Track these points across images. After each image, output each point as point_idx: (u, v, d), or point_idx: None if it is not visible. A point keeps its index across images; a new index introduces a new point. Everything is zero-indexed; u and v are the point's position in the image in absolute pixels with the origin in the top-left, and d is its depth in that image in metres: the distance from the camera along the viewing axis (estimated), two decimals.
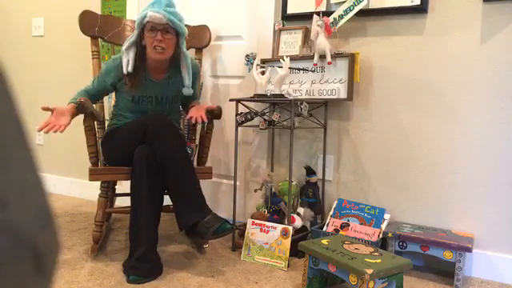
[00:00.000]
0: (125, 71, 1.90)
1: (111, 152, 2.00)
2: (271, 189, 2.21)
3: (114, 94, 2.28)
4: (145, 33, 1.88)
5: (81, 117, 1.96)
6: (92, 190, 2.89)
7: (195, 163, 2.22)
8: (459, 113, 1.97)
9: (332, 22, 2.11)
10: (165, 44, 1.86)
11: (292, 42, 2.28)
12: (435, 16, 2.00)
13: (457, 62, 1.96)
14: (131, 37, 1.94)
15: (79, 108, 1.87)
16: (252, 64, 2.15)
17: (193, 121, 1.97)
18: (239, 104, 2.12)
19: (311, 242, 1.71)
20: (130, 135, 1.89)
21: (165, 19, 1.82)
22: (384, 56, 2.11)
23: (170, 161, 1.79)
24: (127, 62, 1.90)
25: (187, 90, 2.02)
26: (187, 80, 2.01)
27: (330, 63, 2.10)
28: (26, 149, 0.29)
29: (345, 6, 2.09)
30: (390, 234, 1.89)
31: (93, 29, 2.29)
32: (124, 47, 1.93)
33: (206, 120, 2.00)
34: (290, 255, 1.94)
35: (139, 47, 1.92)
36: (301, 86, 2.23)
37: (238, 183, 2.36)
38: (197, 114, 1.98)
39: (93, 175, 1.89)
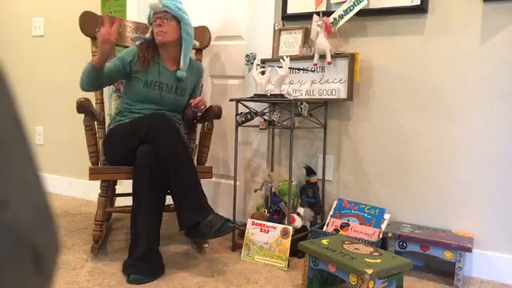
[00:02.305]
0: (146, 37, 2.08)
1: (112, 150, 2.00)
2: (271, 189, 2.21)
3: (114, 95, 2.27)
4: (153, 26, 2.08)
5: (81, 117, 1.97)
6: (92, 190, 2.89)
7: (195, 163, 2.22)
8: (459, 113, 1.97)
9: (332, 22, 2.11)
10: (164, 28, 2.04)
11: (292, 41, 2.28)
12: (435, 16, 2.00)
13: (457, 62, 1.97)
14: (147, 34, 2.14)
15: (79, 108, 1.87)
16: (252, 64, 2.15)
17: (192, 104, 2.09)
18: (239, 104, 2.13)
19: (311, 242, 1.71)
20: (131, 133, 1.90)
21: (160, 5, 2.03)
22: (384, 56, 2.11)
23: (173, 158, 1.79)
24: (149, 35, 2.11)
25: (181, 73, 2.11)
26: (183, 64, 2.11)
27: (330, 63, 2.10)
28: (25, 149, 0.29)
29: (345, 6, 2.09)
30: (390, 234, 1.89)
31: (93, 29, 2.28)
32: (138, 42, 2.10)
33: (204, 107, 2.14)
34: (290, 255, 1.94)
35: (152, 42, 2.10)
36: (301, 86, 2.23)
37: (237, 183, 2.36)
38: (199, 99, 2.12)
39: (93, 174, 1.89)
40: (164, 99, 2.07)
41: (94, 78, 1.95)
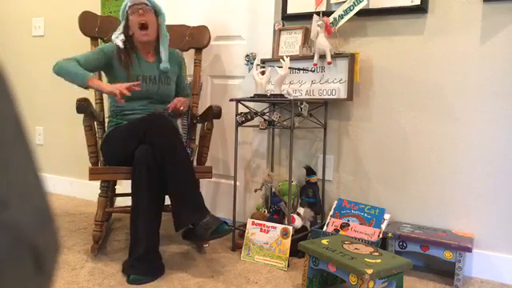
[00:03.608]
0: (120, 44, 2.05)
1: (111, 152, 2.00)
2: (271, 189, 2.21)
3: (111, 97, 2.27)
4: (129, 20, 2.07)
5: (81, 117, 1.97)
6: (92, 190, 2.89)
7: (195, 163, 2.22)
8: (459, 113, 1.97)
9: (332, 22, 2.11)
10: (146, 18, 2.03)
11: (292, 41, 2.28)
12: (435, 16, 2.00)
13: (457, 62, 1.96)
14: (119, 28, 2.11)
15: (79, 108, 1.87)
16: (252, 64, 2.15)
17: (169, 109, 2.06)
18: (239, 104, 2.13)
19: (311, 242, 1.71)
20: (130, 134, 1.90)
21: None
22: (384, 56, 2.11)
23: (171, 156, 1.79)
24: (119, 39, 2.07)
25: (164, 64, 2.11)
26: (164, 55, 2.12)
27: (330, 63, 2.10)
28: (26, 149, 0.29)
29: (345, 6, 2.09)
30: (390, 234, 1.89)
31: (93, 29, 2.29)
32: (114, 35, 2.09)
33: (183, 108, 2.09)
34: (290, 255, 1.94)
35: (127, 37, 2.08)
36: (301, 86, 2.23)
37: (238, 183, 2.36)
38: (177, 101, 2.07)
39: (93, 174, 1.89)
40: (149, 92, 2.07)
41: (69, 81, 1.93)
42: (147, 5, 2.06)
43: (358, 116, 2.19)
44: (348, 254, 1.57)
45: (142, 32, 2.04)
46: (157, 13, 2.10)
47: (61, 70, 1.90)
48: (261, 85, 2.07)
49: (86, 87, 1.90)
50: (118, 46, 2.06)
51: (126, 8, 2.07)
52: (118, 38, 2.08)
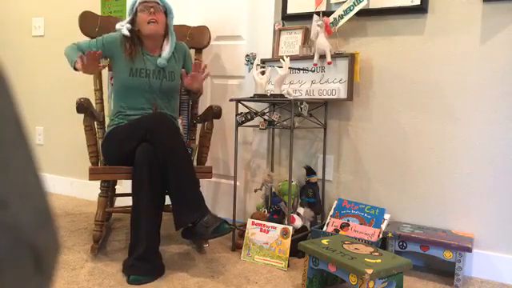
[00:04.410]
0: (126, 32, 2.06)
1: (111, 151, 2.00)
2: (271, 189, 2.21)
3: (113, 95, 2.28)
4: (138, 15, 2.07)
5: (81, 117, 1.97)
6: (92, 190, 2.89)
7: (195, 163, 2.22)
8: (459, 113, 1.97)
9: (332, 22, 2.11)
10: (156, 17, 2.04)
11: (292, 41, 2.28)
12: (435, 16, 2.00)
13: (457, 62, 1.96)
14: (124, 21, 2.12)
15: (79, 108, 1.87)
16: (252, 64, 2.15)
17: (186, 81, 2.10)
18: (239, 104, 2.13)
19: (311, 242, 1.71)
20: (130, 134, 1.90)
21: None
22: (384, 56, 2.11)
23: (172, 158, 1.79)
24: (125, 27, 2.08)
25: (162, 61, 2.09)
26: (166, 53, 2.12)
27: (330, 63, 2.10)
28: (26, 149, 0.29)
29: (345, 6, 2.09)
30: (390, 234, 1.89)
31: (93, 29, 2.29)
32: (118, 25, 2.11)
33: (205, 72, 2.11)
34: (290, 255, 1.94)
35: (133, 32, 2.09)
36: (301, 86, 2.23)
37: (238, 183, 2.36)
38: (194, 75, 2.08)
39: (93, 174, 1.89)
40: (152, 86, 2.07)
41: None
42: (158, 4, 2.06)
43: (358, 116, 2.19)
44: (348, 254, 1.57)
45: (149, 25, 2.04)
46: (166, 12, 2.11)
47: (65, 55, 2.11)
48: (261, 85, 2.07)
49: (76, 69, 2.02)
50: (123, 35, 2.07)
51: (136, 4, 2.06)
52: (123, 27, 2.08)
